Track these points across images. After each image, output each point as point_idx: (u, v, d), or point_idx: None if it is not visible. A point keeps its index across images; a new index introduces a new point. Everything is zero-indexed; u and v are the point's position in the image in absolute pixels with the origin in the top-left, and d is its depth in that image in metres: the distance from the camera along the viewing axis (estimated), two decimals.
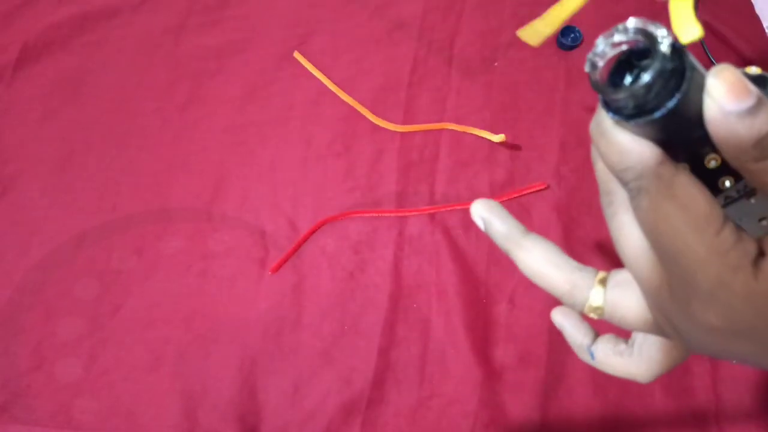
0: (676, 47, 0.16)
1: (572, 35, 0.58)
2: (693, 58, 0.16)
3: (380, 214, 0.52)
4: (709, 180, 0.18)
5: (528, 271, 0.23)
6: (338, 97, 0.58)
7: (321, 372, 0.47)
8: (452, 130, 0.56)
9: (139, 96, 0.60)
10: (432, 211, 0.52)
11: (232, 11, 0.65)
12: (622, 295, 0.22)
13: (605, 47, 0.17)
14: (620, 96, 0.16)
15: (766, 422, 0.43)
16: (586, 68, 0.17)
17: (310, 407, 0.46)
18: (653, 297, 0.20)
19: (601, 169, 0.21)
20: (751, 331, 0.18)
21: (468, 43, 0.60)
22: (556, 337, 0.46)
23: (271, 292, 0.50)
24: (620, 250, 0.21)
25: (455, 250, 0.50)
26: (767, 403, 0.44)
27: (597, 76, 0.17)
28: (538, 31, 0.27)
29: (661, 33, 0.16)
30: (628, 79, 0.17)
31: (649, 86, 0.16)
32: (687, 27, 0.20)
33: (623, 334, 0.26)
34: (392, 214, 0.52)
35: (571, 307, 0.23)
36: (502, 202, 0.52)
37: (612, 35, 0.17)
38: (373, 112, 0.57)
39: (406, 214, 0.52)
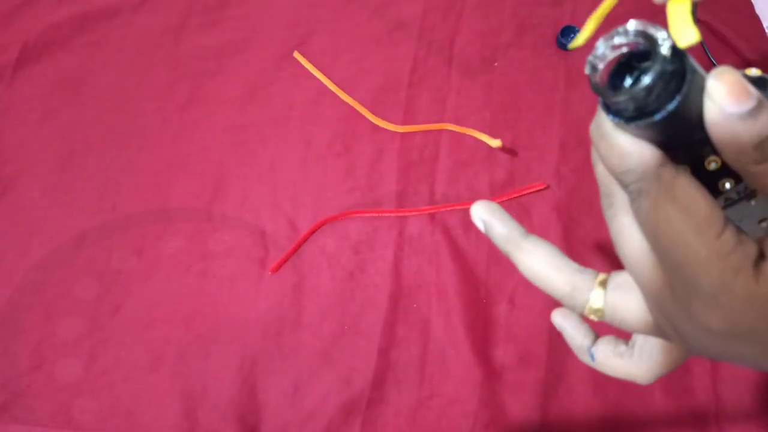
0: (677, 49, 0.16)
1: (572, 35, 0.58)
2: (693, 61, 0.16)
3: (380, 214, 0.52)
4: (710, 182, 0.18)
5: (528, 274, 0.23)
6: (338, 97, 0.58)
7: (321, 372, 0.47)
8: (452, 130, 0.56)
9: (139, 96, 0.60)
10: (432, 211, 0.52)
11: (232, 11, 0.65)
12: (623, 297, 0.22)
13: (605, 50, 0.17)
14: (620, 99, 0.16)
15: (766, 422, 0.43)
16: (586, 70, 0.17)
17: (310, 407, 0.46)
18: (654, 299, 0.20)
19: (601, 171, 0.20)
20: (751, 333, 0.18)
21: (468, 43, 0.60)
22: (556, 337, 0.46)
23: (271, 292, 0.50)
24: (620, 252, 0.21)
25: (455, 250, 0.50)
26: (767, 403, 0.44)
27: (597, 78, 0.17)
28: (583, 37, 0.27)
29: (661, 35, 0.16)
30: (628, 81, 0.17)
31: (649, 89, 0.16)
32: (684, 31, 0.20)
33: (623, 335, 0.26)
34: (392, 214, 0.52)
35: (572, 309, 0.23)
36: (502, 202, 0.52)
37: (612, 38, 0.17)
38: (373, 112, 0.57)
39: (406, 214, 0.52)
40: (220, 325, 0.49)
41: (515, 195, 0.52)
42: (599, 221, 0.49)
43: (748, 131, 0.16)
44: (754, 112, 0.16)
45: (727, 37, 0.57)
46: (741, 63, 0.57)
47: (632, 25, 0.16)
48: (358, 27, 0.62)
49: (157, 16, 0.65)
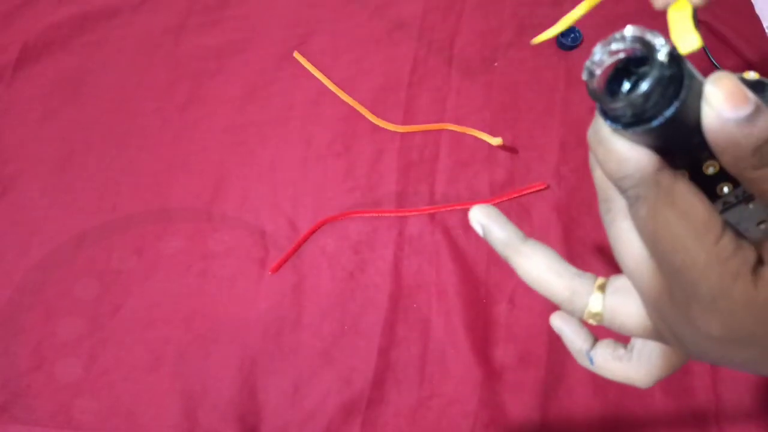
0: (674, 55, 0.16)
1: (572, 35, 0.58)
2: (691, 66, 0.16)
3: (380, 214, 0.52)
4: (708, 186, 0.18)
5: (527, 278, 0.23)
6: (338, 97, 0.58)
7: (321, 372, 0.47)
8: (452, 130, 0.56)
9: (139, 96, 0.60)
10: (432, 211, 0.52)
11: (232, 11, 0.65)
12: (621, 302, 0.22)
13: (603, 55, 0.17)
14: (618, 105, 0.16)
15: (766, 422, 0.43)
16: (584, 76, 0.17)
17: (310, 407, 0.46)
18: (653, 304, 0.20)
19: (599, 177, 0.20)
20: (750, 338, 0.18)
21: (468, 43, 0.60)
22: (556, 337, 0.46)
23: (271, 292, 0.50)
24: (619, 258, 0.21)
25: (455, 250, 0.50)
26: (767, 403, 0.44)
27: (594, 84, 0.17)
28: (547, 34, 0.28)
29: (658, 42, 0.16)
30: (625, 86, 0.17)
31: (647, 95, 0.16)
32: (686, 37, 0.20)
33: (622, 338, 0.26)
34: (392, 214, 0.52)
35: (571, 313, 0.23)
36: (502, 202, 0.52)
37: (609, 43, 0.17)
38: (373, 112, 0.57)
39: (406, 214, 0.52)
40: (220, 325, 0.49)
41: (515, 195, 0.52)
42: (599, 221, 0.49)
43: (746, 136, 0.16)
44: (752, 117, 0.16)
45: (727, 37, 0.57)
46: (741, 63, 0.57)
47: (629, 30, 0.16)
48: (358, 27, 0.62)
49: (157, 16, 0.65)
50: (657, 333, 0.21)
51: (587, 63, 0.17)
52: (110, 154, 0.58)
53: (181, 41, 0.63)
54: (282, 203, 0.54)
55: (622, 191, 0.19)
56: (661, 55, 0.16)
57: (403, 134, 0.56)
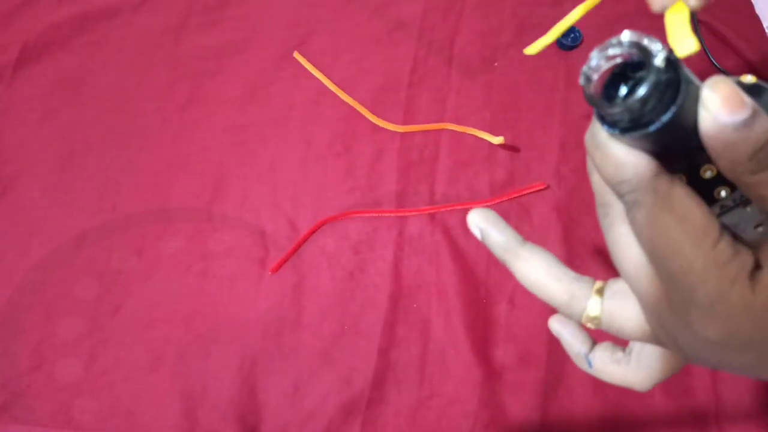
0: (671, 60, 0.16)
1: (572, 35, 0.58)
2: (688, 71, 0.16)
3: (380, 214, 0.52)
4: (705, 190, 0.18)
5: (525, 282, 0.23)
6: (338, 97, 0.58)
7: (321, 372, 0.47)
8: (452, 130, 0.56)
9: (139, 96, 0.60)
10: (432, 211, 0.52)
11: (232, 11, 0.65)
12: (620, 306, 0.22)
13: (599, 60, 0.17)
14: (615, 110, 0.16)
15: (766, 422, 0.43)
16: (581, 81, 0.17)
17: (310, 407, 0.46)
18: (651, 308, 0.20)
19: (596, 181, 0.20)
20: (748, 343, 0.18)
21: (468, 43, 0.60)
22: (556, 337, 0.46)
23: (271, 292, 0.50)
24: (617, 262, 0.21)
25: (455, 250, 0.50)
26: (767, 403, 0.44)
27: (591, 89, 0.17)
28: (541, 43, 0.27)
29: (655, 47, 0.16)
30: (623, 90, 0.17)
31: (644, 100, 0.16)
32: (683, 40, 0.20)
33: (621, 342, 0.26)
34: (392, 214, 0.52)
35: (569, 317, 0.23)
36: (502, 202, 0.52)
37: (606, 48, 0.17)
38: (373, 112, 0.57)
39: (406, 214, 0.52)
40: (220, 325, 0.49)
41: (515, 195, 0.52)
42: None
43: (743, 141, 0.16)
44: (749, 122, 0.15)
45: (727, 37, 0.57)
46: (741, 63, 0.57)
47: (626, 36, 0.16)
48: (358, 27, 0.62)
49: (157, 16, 0.65)
50: (655, 337, 0.21)
51: (584, 68, 0.17)
52: (110, 154, 0.58)
53: (181, 41, 0.63)
54: (282, 203, 0.54)
55: (620, 196, 0.19)
56: (658, 60, 0.16)
57: (403, 134, 0.56)
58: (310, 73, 0.60)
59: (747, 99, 0.16)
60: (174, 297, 0.51)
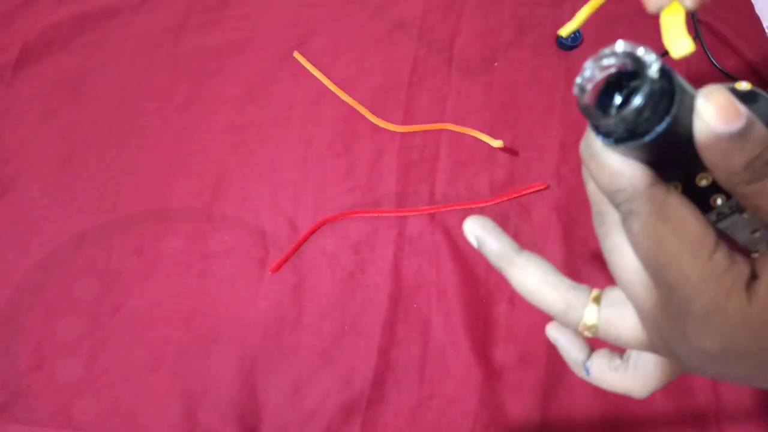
0: (665, 70, 0.16)
1: (572, 35, 0.58)
2: (682, 80, 0.16)
3: (380, 214, 0.52)
4: (701, 198, 0.18)
5: (522, 290, 0.23)
6: (338, 97, 0.58)
7: (321, 372, 0.47)
8: (452, 130, 0.56)
9: (139, 96, 0.60)
10: (432, 211, 0.52)
11: (232, 11, 0.65)
12: (617, 314, 0.22)
13: (594, 71, 0.17)
14: (609, 122, 0.16)
15: (766, 422, 0.43)
16: (575, 92, 0.17)
17: (310, 407, 0.46)
18: (647, 318, 0.20)
19: (592, 190, 0.20)
20: (745, 354, 0.18)
21: (468, 43, 0.60)
22: None
23: (271, 292, 0.50)
24: (614, 271, 0.20)
25: (455, 250, 0.50)
26: (767, 403, 0.44)
27: (586, 99, 0.17)
28: (574, 24, 0.28)
29: (649, 57, 0.16)
30: (617, 99, 0.17)
31: (638, 111, 0.16)
32: (678, 41, 0.19)
33: (618, 348, 0.26)
34: (392, 214, 0.52)
35: (566, 325, 0.23)
36: (502, 203, 0.52)
37: (600, 59, 0.17)
38: (373, 112, 0.57)
39: (406, 214, 0.52)
40: (220, 325, 0.49)
41: (515, 195, 0.52)
42: None
43: (738, 151, 0.16)
44: (744, 131, 0.15)
45: (727, 37, 0.57)
46: (741, 63, 0.57)
47: (620, 46, 0.16)
48: (358, 27, 0.62)
49: (157, 16, 0.65)
50: (652, 345, 0.21)
51: (578, 79, 0.17)
52: (110, 154, 0.58)
53: (181, 41, 0.63)
54: (282, 203, 0.54)
55: (616, 205, 0.18)
56: (652, 71, 0.16)
57: (403, 134, 0.56)
58: (310, 73, 0.60)
59: (742, 108, 0.15)
60: (174, 297, 0.51)
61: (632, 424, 0.44)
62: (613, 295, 0.22)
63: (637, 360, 0.25)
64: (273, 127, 0.57)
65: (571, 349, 0.27)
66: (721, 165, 0.16)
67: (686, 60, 0.57)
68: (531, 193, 0.52)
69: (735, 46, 0.57)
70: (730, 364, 0.19)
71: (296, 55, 0.61)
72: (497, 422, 0.44)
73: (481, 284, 0.49)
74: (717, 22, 0.58)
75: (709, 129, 0.16)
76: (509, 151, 0.54)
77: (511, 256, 0.23)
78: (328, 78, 0.59)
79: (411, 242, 0.51)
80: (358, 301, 0.49)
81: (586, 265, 0.49)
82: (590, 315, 0.22)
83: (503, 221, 0.51)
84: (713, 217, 0.19)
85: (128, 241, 0.53)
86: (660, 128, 0.16)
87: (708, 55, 0.57)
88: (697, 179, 0.18)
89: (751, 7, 0.60)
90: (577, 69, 0.58)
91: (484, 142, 0.54)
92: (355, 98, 0.57)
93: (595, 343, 0.27)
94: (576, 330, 0.23)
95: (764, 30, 0.59)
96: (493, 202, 0.52)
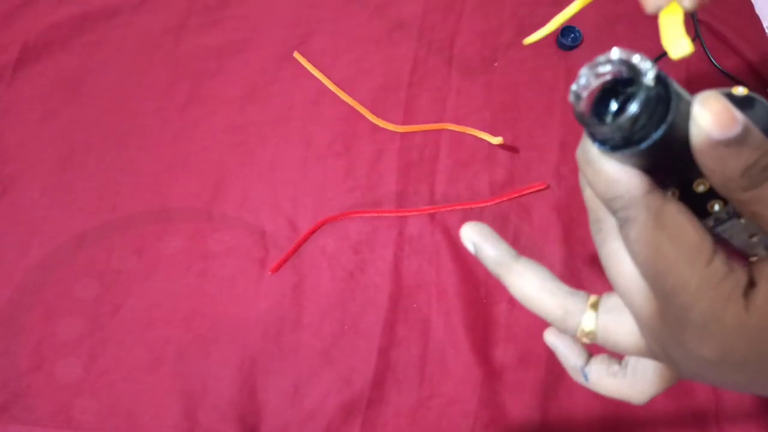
0: (661, 78, 0.16)
1: (572, 35, 0.58)
2: (678, 86, 0.16)
3: (380, 214, 0.52)
4: (699, 204, 0.18)
5: (519, 296, 0.23)
6: (338, 97, 0.58)
7: (321, 372, 0.47)
8: (452, 130, 0.56)
9: (139, 96, 0.60)
10: (432, 211, 0.52)
11: (232, 11, 0.65)
12: (614, 320, 0.22)
13: (589, 78, 0.17)
14: (605, 129, 0.16)
15: (766, 422, 0.43)
16: (570, 99, 0.17)
17: (310, 407, 0.46)
18: (645, 325, 0.20)
19: (589, 196, 0.20)
20: (743, 362, 0.18)
21: (468, 43, 0.60)
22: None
23: (271, 292, 0.50)
24: (611, 278, 0.20)
25: (455, 250, 0.50)
26: (767, 403, 0.44)
27: (581, 107, 0.17)
28: (540, 34, 0.28)
29: (645, 65, 0.16)
30: (613, 106, 0.17)
31: (634, 119, 0.16)
32: (677, 42, 0.19)
33: (616, 354, 0.26)
34: (392, 214, 0.52)
35: (564, 332, 0.23)
36: (502, 202, 0.52)
37: (596, 66, 0.17)
38: (373, 112, 0.57)
39: (406, 214, 0.52)
40: (220, 325, 0.49)
41: (515, 195, 0.52)
42: None
43: (735, 157, 0.16)
44: (741, 138, 0.15)
45: (727, 37, 0.58)
46: (741, 63, 0.57)
47: (616, 53, 0.16)
48: (358, 27, 0.62)
49: (157, 16, 0.65)
50: (651, 352, 0.21)
51: (573, 87, 0.17)
52: (110, 154, 0.58)
53: (181, 41, 0.63)
54: (282, 203, 0.54)
55: (612, 212, 0.18)
56: (648, 79, 0.16)
57: (403, 134, 0.56)
58: (310, 73, 0.60)
59: (738, 115, 0.15)
60: (174, 297, 0.51)
61: (632, 424, 0.44)
62: (610, 301, 0.22)
63: (636, 366, 0.25)
64: (273, 127, 0.57)
65: (569, 355, 0.26)
66: (717, 171, 0.16)
67: (686, 60, 0.57)
68: (531, 193, 0.52)
69: (735, 46, 0.57)
70: (728, 372, 0.19)
71: (296, 55, 0.61)
72: (497, 422, 0.44)
73: (481, 284, 0.49)
74: (717, 22, 0.58)
75: (706, 135, 0.15)
76: (509, 148, 0.54)
77: (509, 262, 0.23)
78: (328, 78, 0.59)
79: (411, 242, 0.51)
80: (358, 301, 0.49)
81: (586, 266, 0.49)
82: (588, 321, 0.22)
83: (503, 221, 0.51)
84: (711, 222, 0.19)
85: (128, 241, 0.53)
86: (656, 135, 0.16)
87: (708, 56, 0.57)
88: (694, 185, 0.18)
89: (751, 7, 0.60)
90: (577, 69, 0.58)
91: (484, 142, 0.54)
92: (355, 98, 0.57)
93: (593, 348, 0.27)
94: (574, 336, 0.23)
95: (764, 30, 0.59)
96: (493, 202, 0.52)
